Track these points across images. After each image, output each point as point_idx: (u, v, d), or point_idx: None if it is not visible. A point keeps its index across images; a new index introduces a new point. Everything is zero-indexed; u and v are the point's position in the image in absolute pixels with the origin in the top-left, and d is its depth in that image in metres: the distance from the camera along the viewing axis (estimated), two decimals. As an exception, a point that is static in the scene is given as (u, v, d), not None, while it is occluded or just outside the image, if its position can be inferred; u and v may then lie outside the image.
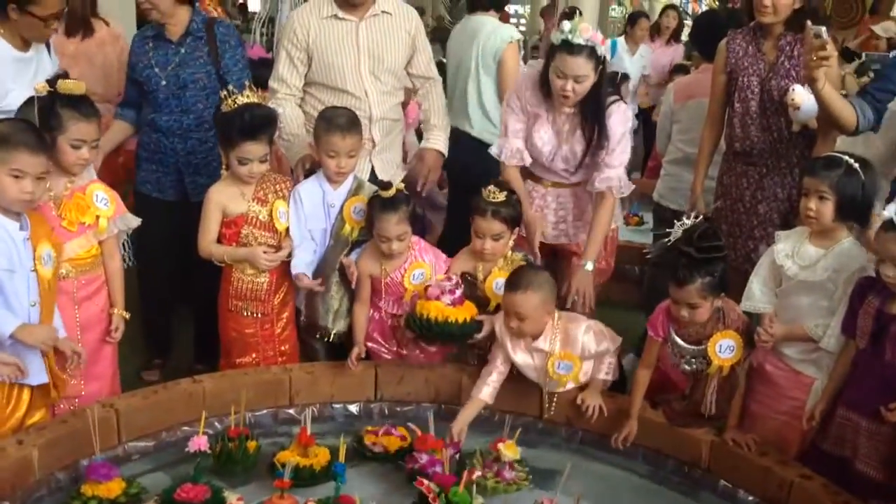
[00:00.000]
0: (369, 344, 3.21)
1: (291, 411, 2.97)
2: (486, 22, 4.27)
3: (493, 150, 3.32)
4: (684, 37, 8.15)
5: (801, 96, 3.17)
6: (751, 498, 2.63)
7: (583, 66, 2.97)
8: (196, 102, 3.45)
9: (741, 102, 3.37)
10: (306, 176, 3.30)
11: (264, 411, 2.93)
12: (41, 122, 2.67)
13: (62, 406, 2.75)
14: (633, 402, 2.84)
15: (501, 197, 3.04)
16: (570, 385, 2.93)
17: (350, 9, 3.39)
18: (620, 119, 3.14)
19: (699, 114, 3.83)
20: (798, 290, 2.72)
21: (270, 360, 3.18)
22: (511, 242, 3.12)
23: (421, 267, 3.12)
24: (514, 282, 2.82)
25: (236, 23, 4.43)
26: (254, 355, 3.18)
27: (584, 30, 2.93)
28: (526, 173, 3.36)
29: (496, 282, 3.04)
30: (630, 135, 3.25)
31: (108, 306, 2.91)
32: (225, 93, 3.00)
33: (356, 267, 3.13)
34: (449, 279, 3.01)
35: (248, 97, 3.02)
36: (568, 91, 3.01)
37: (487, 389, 2.90)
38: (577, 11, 3.07)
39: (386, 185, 3.05)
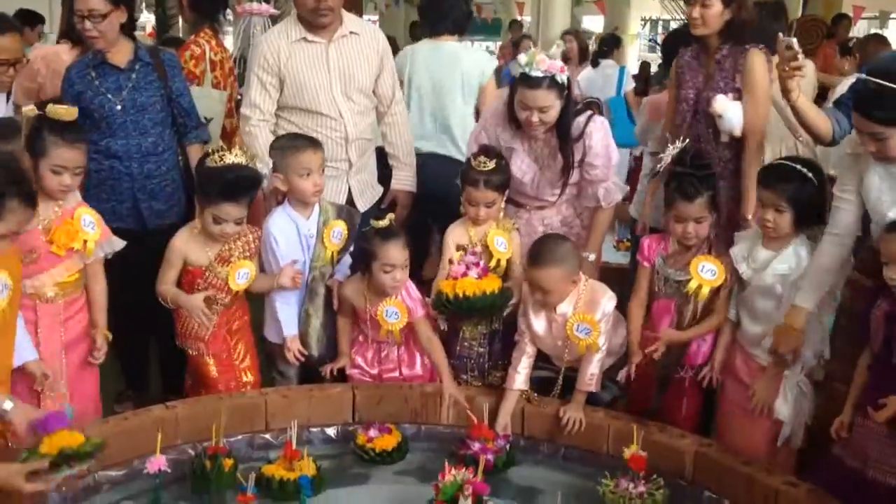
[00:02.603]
0: (351, 371, 3.17)
1: (268, 436, 2.91)
2: (462, 49, 4.26)
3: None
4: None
5: (722, 105, 3.24)
6: (737, 509, 2.59)
7: (544, 98, 2.99)
8: (154, 125, 3.42)
9: (680, 114, 3.46)
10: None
11: (240, 437, 2.86)
12: (27, 146, 2.72)
13: None
14: (632, 334, 3.00)
15: (492, 165, 3.08)
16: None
17: (318, 31, 3.40)
18: (602, 134, 3.17)
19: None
20: (754, 294, 2.79)
21: (233, 391, 3.10)
22: (502, 205, 3.16)
23: (394, 305, 3.04)
24: (536, 256, 2.83)
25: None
26: (219, 386, 3.10)
27: (540, 62, 2.96)
28: (508, 200, 3.35)
29: (496, 239, 3.11)
30: (613, 143, 3.27)
31: (89, 326, 2.92)
32: (213, 147, 2.93)
33: (338, 293, 3.12)
34: (473, 253, 3.03)
35: (236, 155, 2.95)
36: (535, 122, 3.05)
37: (520, 377, 2.95)
38: (531, 41, 3.12)
39: (379, 218, 3.03)
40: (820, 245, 2.67)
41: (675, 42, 4.01)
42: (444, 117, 4.17)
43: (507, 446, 2.83)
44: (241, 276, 3.04)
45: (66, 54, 4.18)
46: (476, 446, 2.73)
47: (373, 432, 2.86)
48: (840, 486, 2.47)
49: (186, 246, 3.02)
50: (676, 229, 2.93)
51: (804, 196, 2.74)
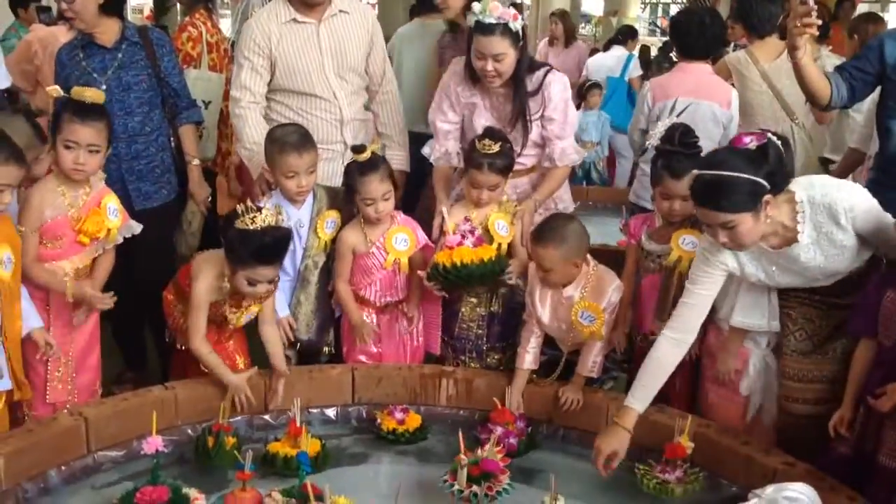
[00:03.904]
0: (356, 356, 3.19)
1: (267, 417, 2.92)
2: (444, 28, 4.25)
3: (425, 151, 3.41)
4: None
5: None
6: (734, 488, 2.59)
7: (498, 44, 2.99)
8: (140, 105, 3.41)
9: None
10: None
11: (239, 417, 2.86)
12: (51, 125, 2.83)
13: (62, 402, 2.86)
14: (620, 312, 2.96)
15: (496, 148, 3.05)
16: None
17: (309, 11, 3.36)
18: (559, 86, 3.16)
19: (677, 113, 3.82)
20: None
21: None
22: (505, 188, 3.16)
23: (404, 232, 3.10)
24: (540, 234, 2.83)
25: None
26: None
27: (493, 8, 2.97)
28: None
29: (497, 223, 3.09)
30: (571, 101, 3.28)
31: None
32: (242, 207, 2.73)
33: (338, 245, 3.12)
34: (466, 221, 3.04)
35: (266, 216, 2.72)
36: (490, 71, 3.04)
37: (529, 357, 2.95)
38: None
39: (360, 149, 3.03)
40: (658, 343, 2.60)
41: (690, 22, 3.97)
42: (430, 97, 4.14)
43: (529, 429, 2.83)
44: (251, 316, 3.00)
45: (63, 36, 4.17)
46: (499, 430, 2.72)
47: (399, 414, 2.86)
48: (842, 476, 2.46)
49: (212, 290, 2.87)
50: (663, 206, 2.93)
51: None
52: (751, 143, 2.35)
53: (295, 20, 3.36)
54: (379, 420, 2.87)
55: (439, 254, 3.01)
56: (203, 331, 2.85)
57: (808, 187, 2.45)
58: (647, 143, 3.05)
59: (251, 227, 2.68)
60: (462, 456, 2.39)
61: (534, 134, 3.19)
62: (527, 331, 2.98)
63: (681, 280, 2.92)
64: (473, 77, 3.15)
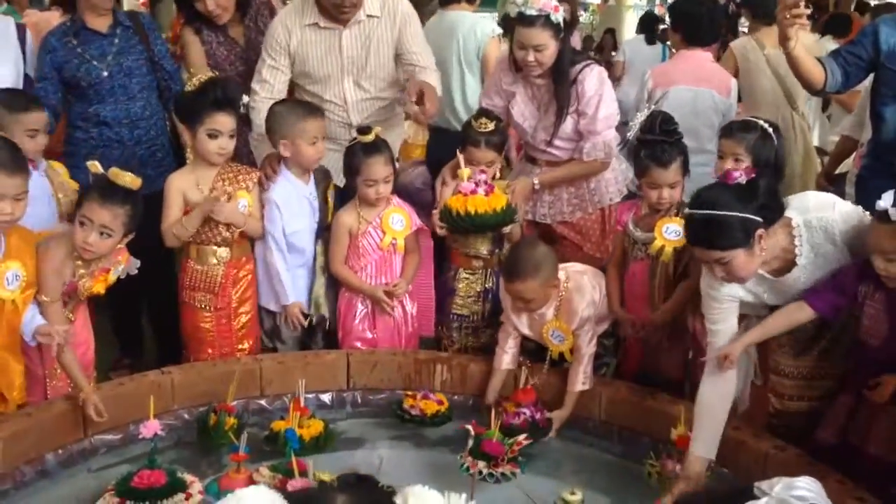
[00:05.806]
0: (352, 342, 3.21)
1: (263, 402, 2.94)
2: (464, 17, 4.22)
3: None
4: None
5: None
6: (725, 471, 2.60)
7: (539, 36, 3.02)
8: (141, 89, 3.42)
9: None
10: None
11: (234, 402, 2.86)
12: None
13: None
14: (613, 301, 2.98)
15: (491, 126, 3.14)
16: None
17: (335, 19, 3.33)
18: (594, 82, 3.15)
19: (678, 101, 3.80)
20: None
21: (228, 357, 3.11)
22: (499, 166, 3.22)
23: (399, 213, 3.15)
24: (512, 270, 2.81)
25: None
26: (210, 351, 3.12)
27: (535, 0, 2.98)
28: (525, 155, 3.44)
29: None
30: (611, 96, 3.24)
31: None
32: (188, 75, 2.99)
33: (334, 227, 3.16)
34: (482, 172, 3.10)
35: (206, 75, 3.07)
36: (530, 62, 3.06)
37: (507, 357, 2.95)
38: None
39: (365, 130, 3.06)
40: (702, 389, 2.51)
41: (692, 8, 3.95)
42: (448, 90, 4.13)
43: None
44: (243, 206, 3.07)
45: (56, 21, 4.15)
46: (527, 413, 2.75)
47: (433, 397, 2.89)
48: (832, 465, 2.46)
49: (183, 182, 3.04)
50: (651, 195, 2.89)
51: (763, 152, 2.75)
52: (740, 177, 2.31)
53: (317, 25, 3.33)
54: (422, 408, 2.84)
55: (453, 199, 3.06)
56: (174, 217, 3.02)
57: (804, 210, 2.41)
58: (628, 134, 3.01)
59: (200, 85, 2.98)
60: (469, 427, 2.47)
61: (570, 127, 3.20)
62: (504, 332, 2.98)
63: (666, 268, 2.91)
64: (516, 66, 3.18)
